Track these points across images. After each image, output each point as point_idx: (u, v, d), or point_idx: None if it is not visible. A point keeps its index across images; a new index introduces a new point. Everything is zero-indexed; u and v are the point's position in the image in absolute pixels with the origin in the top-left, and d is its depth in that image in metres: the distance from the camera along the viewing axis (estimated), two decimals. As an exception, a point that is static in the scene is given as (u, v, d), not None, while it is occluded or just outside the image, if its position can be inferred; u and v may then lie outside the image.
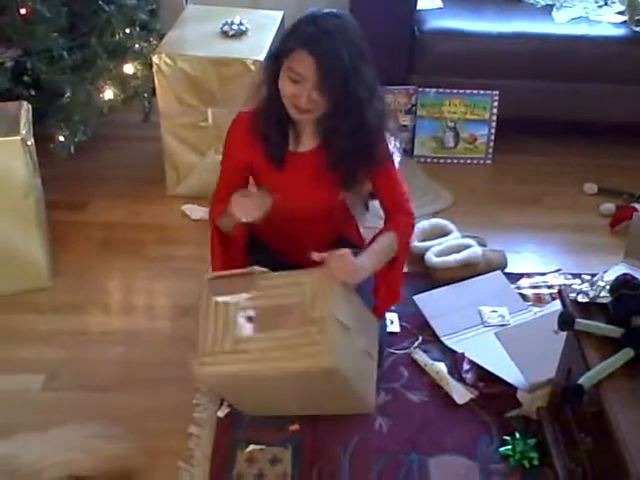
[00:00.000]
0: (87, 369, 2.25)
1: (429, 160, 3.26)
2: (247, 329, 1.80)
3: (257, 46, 2.82)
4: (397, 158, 2.23)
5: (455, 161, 3.27)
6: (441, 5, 3.29)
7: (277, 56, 1.89)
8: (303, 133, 2.02)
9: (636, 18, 3.12)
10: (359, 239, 2.34)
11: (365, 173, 2.04)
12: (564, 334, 1.89)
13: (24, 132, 2.31)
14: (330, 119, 1.92)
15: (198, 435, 2.03)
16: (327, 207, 2.14)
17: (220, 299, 1.84)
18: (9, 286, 2.48)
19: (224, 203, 2.00)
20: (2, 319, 2.40)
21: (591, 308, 1.84)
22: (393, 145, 2.12)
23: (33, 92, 2.73)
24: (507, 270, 2.62)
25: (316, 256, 1.86)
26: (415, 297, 2.46)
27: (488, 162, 3.27)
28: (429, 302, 2.44)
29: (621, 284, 1.78)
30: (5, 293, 2.47)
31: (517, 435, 2.02)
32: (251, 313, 1.79)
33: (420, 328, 2.36)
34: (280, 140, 2.00)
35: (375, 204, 2.25)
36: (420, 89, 3.18)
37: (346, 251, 1.88)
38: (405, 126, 3.24)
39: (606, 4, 3.32)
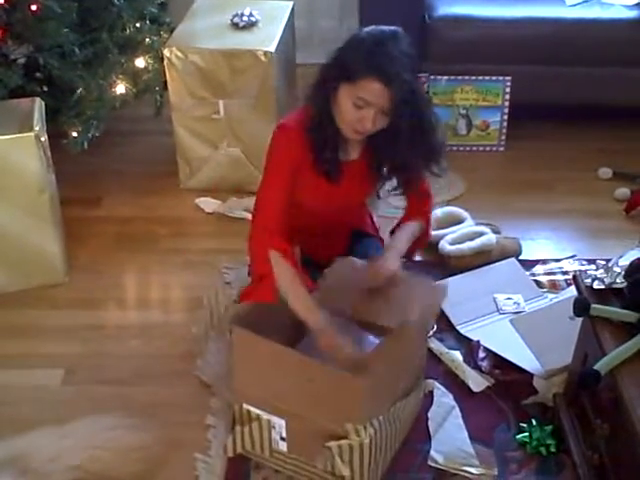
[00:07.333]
0: (105, 363, 2.26)
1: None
2: (282, 446, 1.84)
3: (268, 37, 2.82)
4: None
5: (468, 149, 3.26)
6: (451, -9, 3.28)
7: (337, 81, 1.84)
8: (350, 143, 2.01)
9: (649, 0, 3.10)
10: (374, 229, 2.35)
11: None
12: (580, 320, 1.89)
13: (37, 128, 2.33)
14: (388, 134, 1.90)
15: (215, 426, 2.04)
16: (360, 203, 2.17)
17: (252, 409, 1.83)
18: (25, 282, 2.50)
19: (280, 223, 1.96)
20: (19, 315, 2.43)
21: (606, 293, 1.83)
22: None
23: (46, 88, 2.74)
24: (521, 257, 2.62)
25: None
26: (430, 286, 2.46)
27: (501, 149, 3.26)
28: (444, 290, 2.44)
29: (636, 269, 1.77)
30: (21, 289, 2.49)
31: (534, 422, 2.01)
32: (283, 434, 1.81)
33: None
34: (334, 155, 1.98)
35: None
36: (432, 77, 3.17)
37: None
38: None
39: (617, -14, 3.29)
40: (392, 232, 2.18)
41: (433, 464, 1.93)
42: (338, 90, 1.84)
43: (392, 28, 1.85)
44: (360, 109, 1.83)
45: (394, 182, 2.10)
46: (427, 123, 1.93)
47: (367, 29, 1.86)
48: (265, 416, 1.82)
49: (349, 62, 1.82)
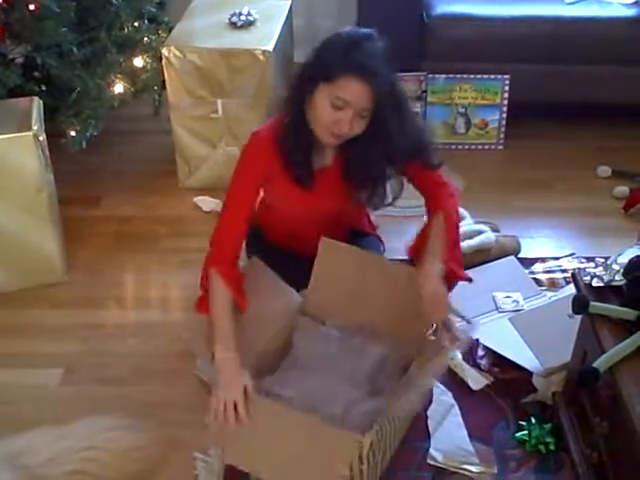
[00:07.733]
0: (104, 362, 2.26)
1: (440, 146, 3.21)
2: None
3: (265, 36, 2.82)
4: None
5: (467, 147, 3.26)
6: (450, -10, 3.28)
7: (314, 81, 1.81)
8: (324, 150, 1.98)
9: (647, -2, 3.10)
10: (371, 228, 2.34)
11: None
12: (579, 318, 1.89)
13: (36, 128, 2.32)
14: (368, 139, 1.88)
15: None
16: (343, 209, 2.15)
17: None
18: (24, 281, 2.50)
19: (233, 243, 1.97)
20: (18, 314, 2.42)
21: (605, 291, 1.83)
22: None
23: (44, 88, 2.73)
24: (520, 255, 2.61)
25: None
26: (429, 284, 2.45)
27: (500, 147, 3.26)
28: (443, 289, 2.44)
29: (635, 266, 1.77)
30: (20, 288, 2.49)
31: (533, 420, 2.01)
32: None
33: (434, 315, 2.35)
34: (307, 162, 1.95)
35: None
36: (430, 75, 3.17)
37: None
38: (416, 113, 3.23)
39: (616, -15, 3.29)
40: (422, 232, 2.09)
41: (432, 462, 1.93)
42: (315, 91, 1.82)
43: (367, 30, 1.84)
44: (338, 110, 1.80)
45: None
46: (409, 120, 1.92)
47: (342, 30, 1.85)
48: None
49: (327, 61, 1.79)
